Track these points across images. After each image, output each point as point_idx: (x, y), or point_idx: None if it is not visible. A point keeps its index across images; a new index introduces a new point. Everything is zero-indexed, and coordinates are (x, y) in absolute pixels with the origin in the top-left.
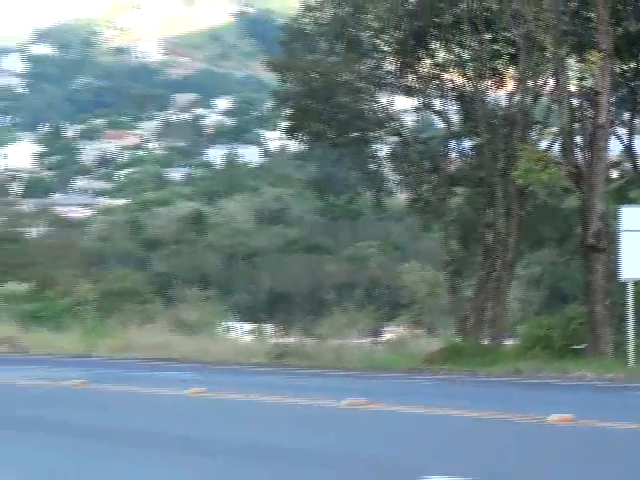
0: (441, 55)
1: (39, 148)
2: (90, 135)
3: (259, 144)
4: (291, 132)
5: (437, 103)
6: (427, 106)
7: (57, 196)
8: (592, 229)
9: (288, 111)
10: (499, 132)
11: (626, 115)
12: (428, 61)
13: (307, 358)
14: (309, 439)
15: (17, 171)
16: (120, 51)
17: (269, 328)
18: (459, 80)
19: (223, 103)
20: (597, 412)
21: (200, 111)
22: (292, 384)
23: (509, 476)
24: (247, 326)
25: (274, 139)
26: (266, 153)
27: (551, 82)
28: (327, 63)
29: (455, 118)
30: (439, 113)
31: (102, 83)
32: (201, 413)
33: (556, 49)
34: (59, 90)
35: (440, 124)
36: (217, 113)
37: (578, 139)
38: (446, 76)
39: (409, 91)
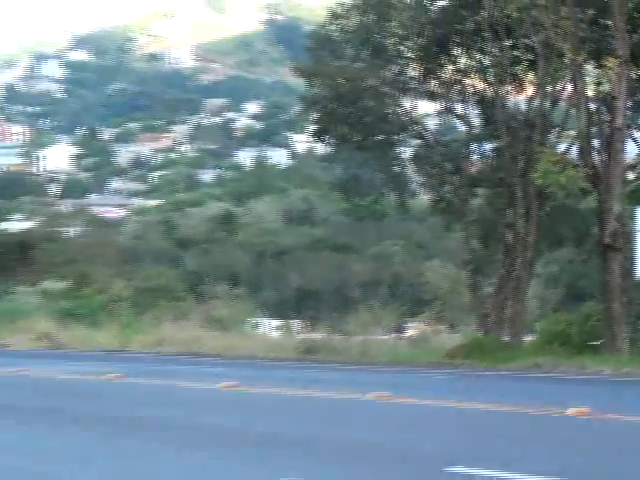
0: (463, 61)
1: (76, 150)
2: (125, 138)
3: (287, 147)
4: (318, 135)
5: (459, 107)
6: (449, 110)
7: (93, 197)
8: (609, 229)
9: (315, 115)
10: (519, 135)
11: None
12: (450, 67)
13: (334, 353)
14: (336, 431)
15: (55, 172)
16: (154, 57)
17: (297, 324)
18: (480, 85)
19: (252, 107)
20: (613, 406)
21: (230, 115)
22: (319, 378)
23: (529, 466)
24: (275, 322)
25: (301, 142)
26: (294, 155)
27: (569, 87)
28: (353, 69)
29: (476, 122)
30: (461, 117)
31: (137, 88)
32: (232, 406)
33: (574, 56)
34: (95, 95)
35: (461, 127)
36: (247, 117)
37: (595, 142)
38: (467, 81)
39: (432, 96)
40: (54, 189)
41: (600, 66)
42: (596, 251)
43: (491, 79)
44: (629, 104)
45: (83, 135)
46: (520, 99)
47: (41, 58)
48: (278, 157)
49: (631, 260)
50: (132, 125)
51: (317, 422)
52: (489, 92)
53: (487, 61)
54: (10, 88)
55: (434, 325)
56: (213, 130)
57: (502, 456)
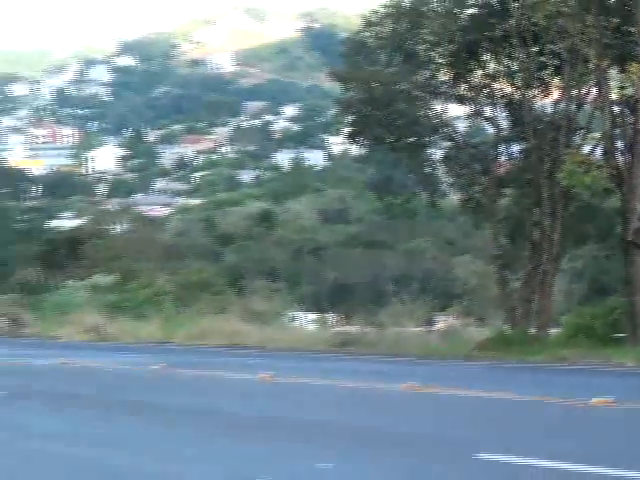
0: (491, 66)
1: (123, 152)
2: (169, 140)
3: (323, 148)
4: (353, 137)
5: (487, 110)
6: (478, 113)
7: (139, 196)
8: (632, 227)
9: (350, 118)
10: (545, 137)
11: None
12: (479, 72)
13: (367, 345)
14: (369, 419)
15: (103, 173)
16: (196, 63)
17: (332, 317)
18: (508, 89)
19: (290, 110)
20: (635, 395)
21: (269, 118)
22: (353, 369)
23: (556, 453)
24: (311, 316)
25: (337, 144)
26: (329, 157)
27: (594, 91)
28: (386, 74)
29: (504, 124)
30: (489, 119)
31: (180, 92)
32: (269, 395)
33: (599, 61)
34: (141, 98)
35: (490, 130)
36: (284, 120)
37: (619, 143)
38: (496, 85)
39: (462, 99)
40: (102, 189)
41: (623, 71)
42: (619, 248)
43: (519, 83)
44: None
45: (129, 137)
46: (546, 102)
47: (90, 63)
48: (314, 158)
49: None
50: (175, 127)
51: (351, 411)
52: (517, 96)
53: (515, 66)
54: (61, 92)
55: (463, 319)
56: (252, 132)
57: (530, 443)
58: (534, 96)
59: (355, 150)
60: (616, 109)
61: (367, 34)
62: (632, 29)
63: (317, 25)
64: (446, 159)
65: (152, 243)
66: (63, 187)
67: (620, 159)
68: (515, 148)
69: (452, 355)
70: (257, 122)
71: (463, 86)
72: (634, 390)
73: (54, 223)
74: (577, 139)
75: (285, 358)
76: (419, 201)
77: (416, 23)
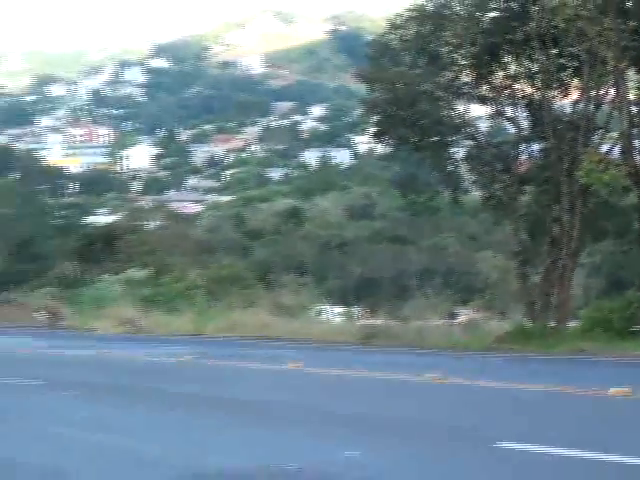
0: (512, 68)
1: (156, 150)
2: (200, 139)
3: (349, 147)
4: (378, 136)
5: (508, 110)
6: (499, 113)
7: (171, 193)
8: None
9: (375, 117)
10: (564, 136)
11: None
12: (501, 73)
13: (392, 338)
14: (393, 409)
15: (137, 171)
16: (227, 64)
17: (358, 311)
18: (528, 90)
19: (317, 110)
20: None
21: (297, 118)
22: (378, 361)
23: (574, 441)
24: (338, 309)
25: (363, 143)
26: (355, 155)
27: (612, 92)
28: (410, 75)
29: (525, 124)
30: (510, 119)
31: (211, 93)
32: (297, 385)
33: (617, 63)
34: (174, 99)
35: (511, 129)
36: (312, 119)
37: (636, 143)
38: (517, 86)
39: (483, 100)
40: (136, 186)
41: None
42: (636, 243)
43: (539, 84)
44: None
45: (162, 136)
46: (566, 103)
47: (125, 65)
48: (341, 157)
49: None
50: (207, 127)
51: (375, 400)
52: (537, 96)
53: (535, 68)
54: (97, 92)
55: (484, 312)
56: (281, 132)
57: (548, 432)
58: (554, 97)
59: (380, 149)
60: (634, 109)
61: (392, 36)
62: None
63: (344, 28)
64: (468, 158)
65: (184, 238)
66: (99, 184)
67: (638, 158)
68: (535, 147)
69: (473, 347)
70: (286, 122)
71: (485, 87)
72: None
73: (90, 219)
74: (595, 138)
75: (312, 350)
76: (442, 198)
77: (439, 26)
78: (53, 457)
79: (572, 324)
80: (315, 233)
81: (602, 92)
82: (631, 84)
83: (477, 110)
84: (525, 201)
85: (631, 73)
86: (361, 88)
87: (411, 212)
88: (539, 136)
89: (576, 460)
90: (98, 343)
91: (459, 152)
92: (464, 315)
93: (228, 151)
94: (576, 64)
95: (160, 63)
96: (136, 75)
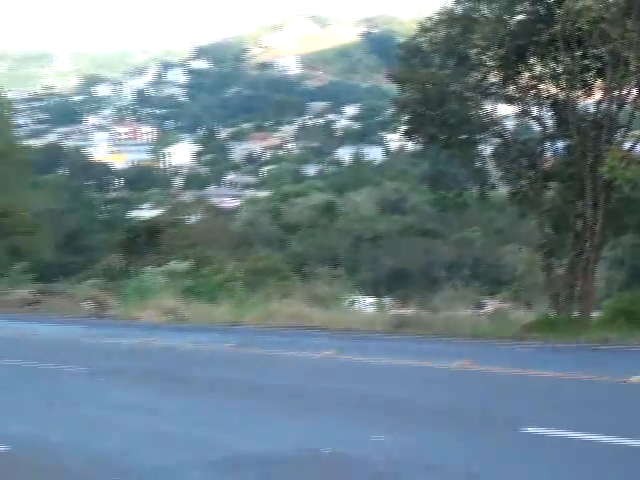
0: (538, 69)
1: (197, 148)
2: (239, 137)
3: (381, 145)
4: (408, 134)
5: (534, 110)
6: (525, 112)
7: (211, 188)
8: None
9: (406, 116)
10: (588, 134)
11: None
12: (527, 74)
13: (421, 327)
14: (422, 395)
15: (179, 167)
16: (265, 66)
17: (389, 301)
18: (553, 90)
19: (351, 110)
20: None
21: (331, 117)
22: (408, 348)
23: (597, 426)
24: (370, 299)
25: (394, 140)
26: (387, 152)
27: (634, 92)
28: (440, 75)
29: (549, 122)
30: (536, 118)
31: (249, 93)
32: (331, 372)
33: (639, 63)
34: (214, 99)
35: (536, 128)
36: (346, 118)
37: None
38: (542, 87)
39: (510, 99)
40: (178, 182)
41: None
42: None
43: (563, 85)
44: None
45: (203, 134)
46: (589, 102)
47: (168, 66)
48: (373, 154)
49: None
50: (245, 125)
51: (405, 387)
52: (561, 96)
53: (560, 69)
54: (141, 93)
55: (511, 303)
56: (316, 130)
57: (572, 418)
58: (578, 97)
59: (411, 146)
60: None
61: (422, 39)
62: None
63: (376, 30)
64: (495, 155)
65: (224, 232)
66: (143, 180)
67: None
68: (560, 145)
69: (500, 337)
70: (320, 121)
71: (511, 87)
72: None
73: (134, 213)
74: (618, 136)
75: (345, 338)
76: (470, 194)
77: (468, 28)
78: (98, 440)
79: (595, 314)
80: (348, 227)
81: (625, 92)
82: None
83: (504, 109)
84: (550, 196)
85: None
86: (392, 88)
87: (440, 207)
88: (563, 134)
89: (599, 444)
90: (142, 332)
91: (486, 149)
92: (491, 306)
93: (265, 148)
94: (599, 65)
95: (201, 64)
96: (178, 76)
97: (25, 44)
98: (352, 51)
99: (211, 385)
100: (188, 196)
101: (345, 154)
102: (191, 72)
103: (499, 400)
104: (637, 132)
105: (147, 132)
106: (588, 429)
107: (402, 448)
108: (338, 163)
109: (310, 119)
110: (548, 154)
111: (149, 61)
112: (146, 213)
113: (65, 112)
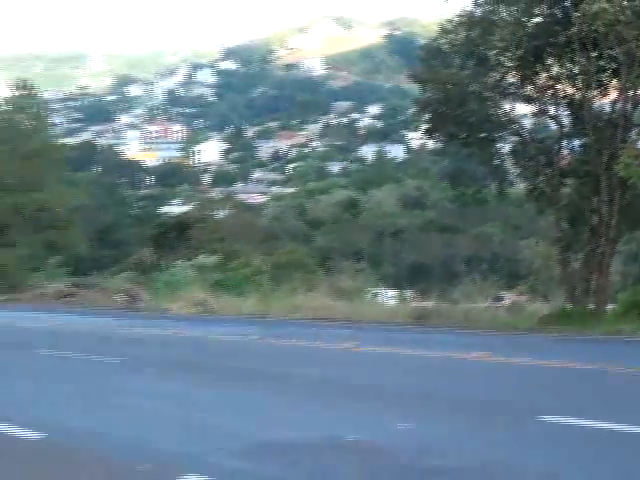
0: (555, 69)
1: (225, 146)
2: (265, 135)
3: (403, 143)
4: (429, 133)
5: (551, 109)
6: (543, 112)
7: (239, 185)
8: None
9: (427, 116)
10: (603, 133)
11: None
12: (544, 74)
13: (442, 319)
14: (442, 385)
15: (207, 165)
16: (291, 66)
17: (410, 294)
18: (570, 90)
19: (374, 109)
20: None
21: (355, 116)
22: (429, 339)
23: (614, 415)
24: (391, 292)
25: (415, 139)
26: (409, 150)
27: None
28: (460, 76)
29: (566, 121)
30: (553, 117)
31: (276, 93)
32: (354, 363)
33: None
34: (241, 98)
35: (553, 126)
36: (369, 117)
37: None
38: (559, 87)
39: (528, 99)
40: (206, 179)
41: None
42: None
43: (580, 85)
44: None
45: (231, 133)
46: (605, 102)
47: (197, 67)
48: (395, 152)
49: None
50: (271, 124)
51: (426, 377)
52: (578, 96)
53: (576, 69)
54: (171, 93)
55: (528, 296)
56: (340, 129)
57: (589, 407)
58: (594, 96)
59: (431, 145)
60: None
61: (443, 40)
62: None
63: (398, 32)
64: (513, 152)
65: (251, 227)
66: (173, 177)
67: None
68: (576, 143)
69: (518, 328)
70: (344, 120)
71: (529, 87)
72: None
73: (165, 209)
74: (633, 135)
75: (368, 330)
76: (488, 190)
77: (487, 30)
78: (134, 428)
79: (610, 307)
80: (371, 222)
81: (639, 92)
82: None
83: (522, 109)
84: (566, 193)
85: None
86: (414, 88)
87: (460, 203)
88: (580, 133)
89: (615, 433)
90: (173, 323)
91: (505, 147)
92: (509, 299)
93: (291, 146)
94: (615, 66)
95: (229, 65)
96: (207, 76)
97: (60, 45)
98: (375, 52)
99: (240, 376)
100: (216, 192)
101: (368, 152)
102: (219, 73)
103: (518, 390)
104: None
105: (177, 131)
106: (604, 417)
107: (427, 436)
108: (361, 161)
109: (334, 118)
110: (565, 152)
111: (179, 62)
112: (176, 209)
113: (99, 111)
